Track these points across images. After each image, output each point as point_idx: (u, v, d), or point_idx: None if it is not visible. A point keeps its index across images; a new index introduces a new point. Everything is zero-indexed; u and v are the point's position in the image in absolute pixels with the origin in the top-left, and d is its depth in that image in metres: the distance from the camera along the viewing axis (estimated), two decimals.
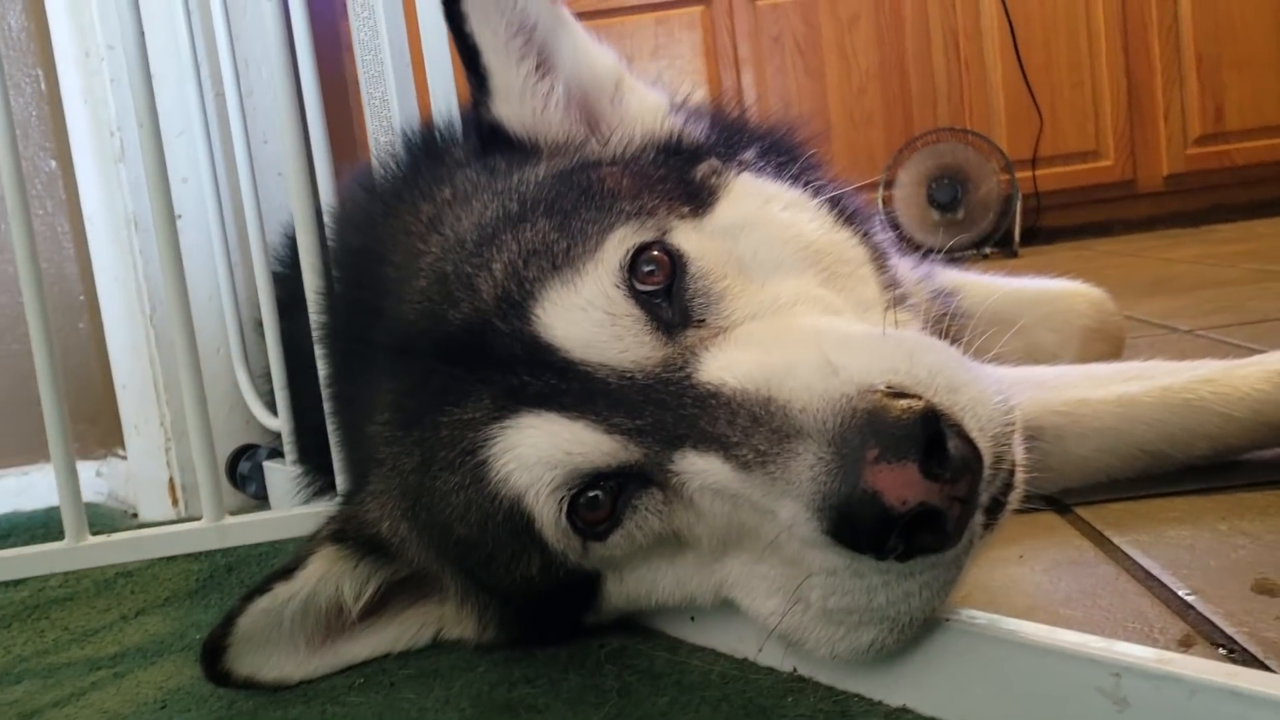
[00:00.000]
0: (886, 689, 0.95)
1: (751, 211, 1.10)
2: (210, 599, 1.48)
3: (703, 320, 0.98)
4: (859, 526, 0.79)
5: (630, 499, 0.96)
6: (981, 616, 0.90)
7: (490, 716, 1.02)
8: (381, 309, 1.09)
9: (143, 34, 1.29)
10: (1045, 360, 1.66)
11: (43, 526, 2.00)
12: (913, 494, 0.77)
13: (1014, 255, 5.39)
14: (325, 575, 1.12)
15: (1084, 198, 5.85)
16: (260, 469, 1.90)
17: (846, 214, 1.23)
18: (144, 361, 1.92)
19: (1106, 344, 1.99)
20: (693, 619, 1.12)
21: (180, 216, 1.90)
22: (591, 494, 0.95)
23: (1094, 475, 1.46)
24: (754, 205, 1.11)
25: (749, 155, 1.25)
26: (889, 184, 5.59)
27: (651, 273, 0.98)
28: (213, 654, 1.08)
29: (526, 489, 0.95)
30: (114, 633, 1.40)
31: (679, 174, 1.13)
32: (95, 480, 2.20)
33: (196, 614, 1.43)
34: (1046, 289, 1.99)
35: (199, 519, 1.78)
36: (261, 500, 1.93)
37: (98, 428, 2.16)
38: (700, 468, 0.90)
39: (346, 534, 1.12)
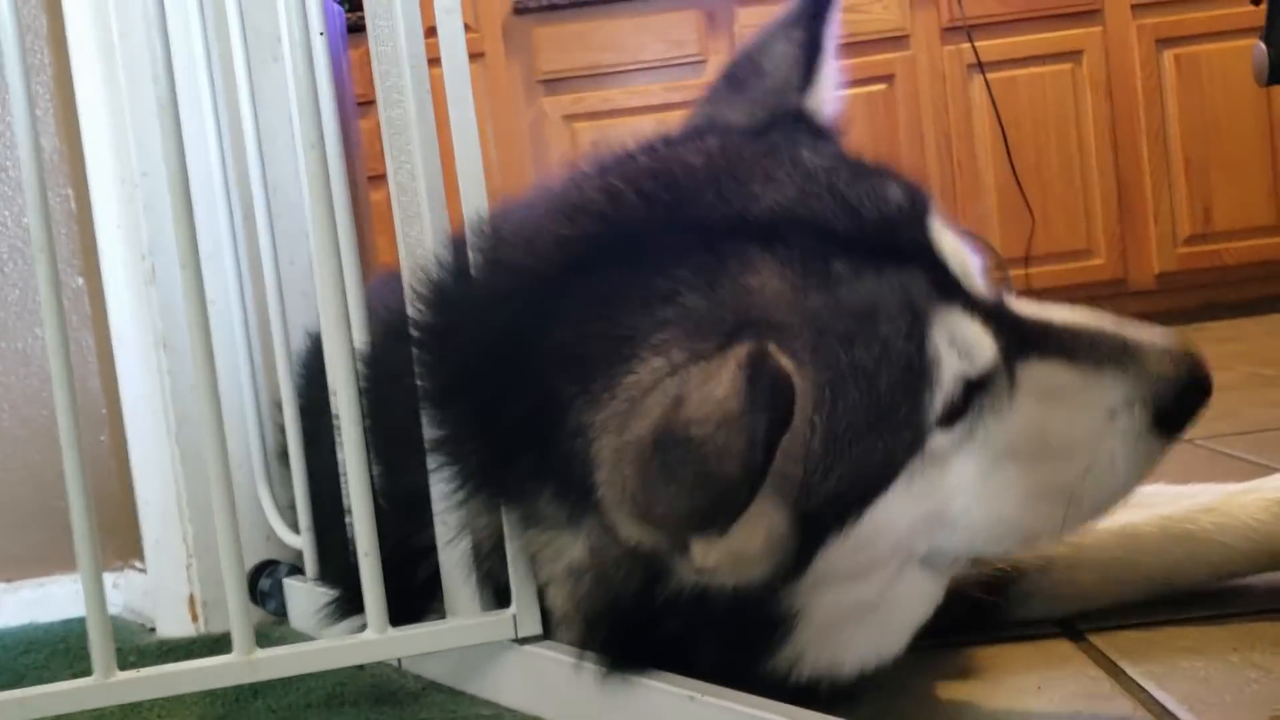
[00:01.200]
0: None
1: None
2: None
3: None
4: (1187, 415, 1.17)
5: (970, 396, 1.15)
6: None
7: None
8: (700, 215, 1.17)
9: (184, 164, 1.32)
10: None
11: (61, 641, 2.00)
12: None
13: None
14: None
15: (1077, 295, 5.88)
16: (280, 586, 1.92)
17: None
18: (168, 478, 1.95)
19: None
20: (692, 698, 1.14)
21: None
22: (963, 392, 1.15)
23: (1102, 601, 1.51)
24: None
25: None
26: None
27: None
28: None
29: (947, 371, 1.12)
30: None
31: None
32: (111, 592, 2.20)
33: None
34: None
35: (218, 634, 1.80)
36: (280, 617, 1.94)
37: (116, 540, 2.18)
38: (1044, 371, 1.16)
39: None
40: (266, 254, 1.83)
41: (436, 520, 1.38)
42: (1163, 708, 1.19)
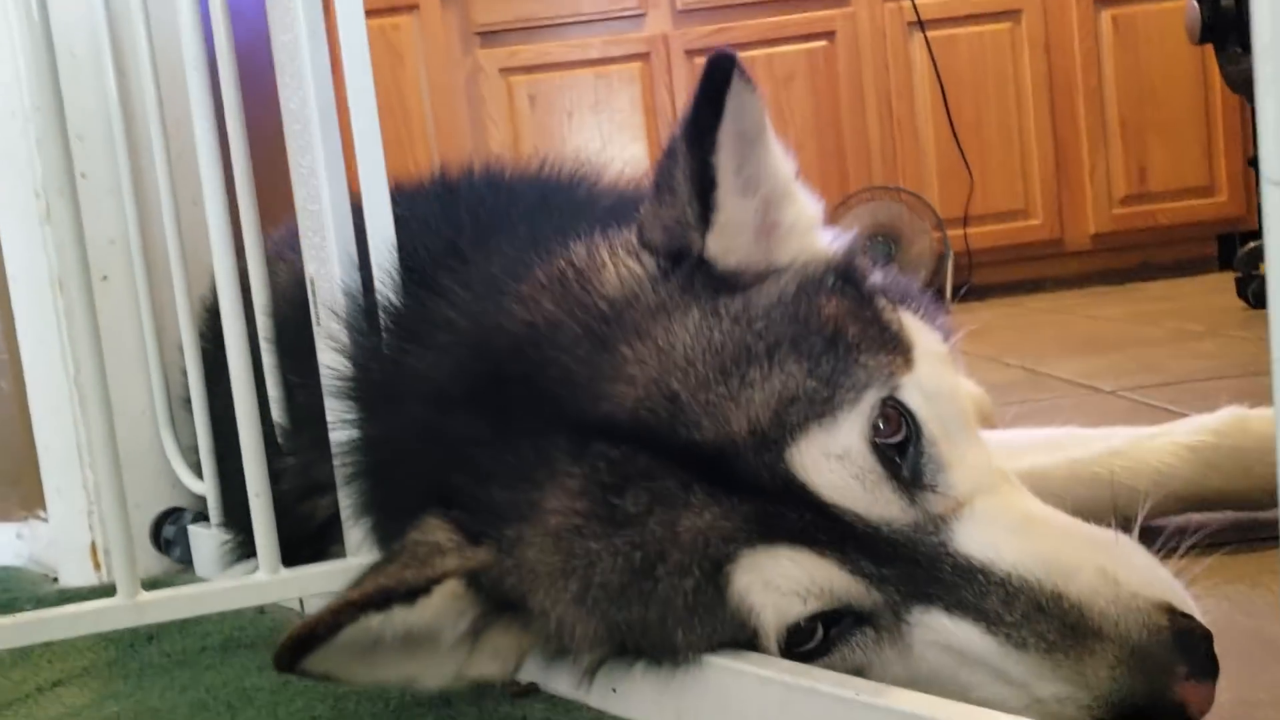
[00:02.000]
0: None
1: (936, 370, 1.16)
2: (130, 668, 1.46)
3: (935, 486, 1.04)
4: None
5: (845, 633, 1.02)
6: (888, 692, 0.92)
7: None
8: (551, 392, 1.08)
9: (58, 92, 1.27)
10: None
11: None
12: (1207, 708, 0.91)
13: (946, 313, 5.45)
14: (446, 610, 1.09)
15: (1014, 255, 5.96)
16: (185, 533, 1.88)
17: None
18: (67, 423, 1.90)
19: None
20: (615, 690, 1.12)
21: (106, 278, 1.90)
22: (807, 622, 1.01)
23: None
24: (933, 363, 1.17)
25: (878, 279, 1.28)
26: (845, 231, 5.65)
27: (882, 426, 1.04)
28: (301, 650, 1.02)
29: (765, 612, 1.00)
30: (29, 706, 1.38)
31: (875, 317, 1.17)
32: (16, 543, 2.15)
33: (115, 685, 1.41)
34: None
35: None
36: (186, 564, 1.90)
37: (20, 489, 2.12)
38: (949, 629, 0.97)
39: (482, 583, 1.09)
40: (164, 192, 1.77)
41: (335, 461, 1.35)
42: None
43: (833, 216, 5.62)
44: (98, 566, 1.92)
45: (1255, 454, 1.46)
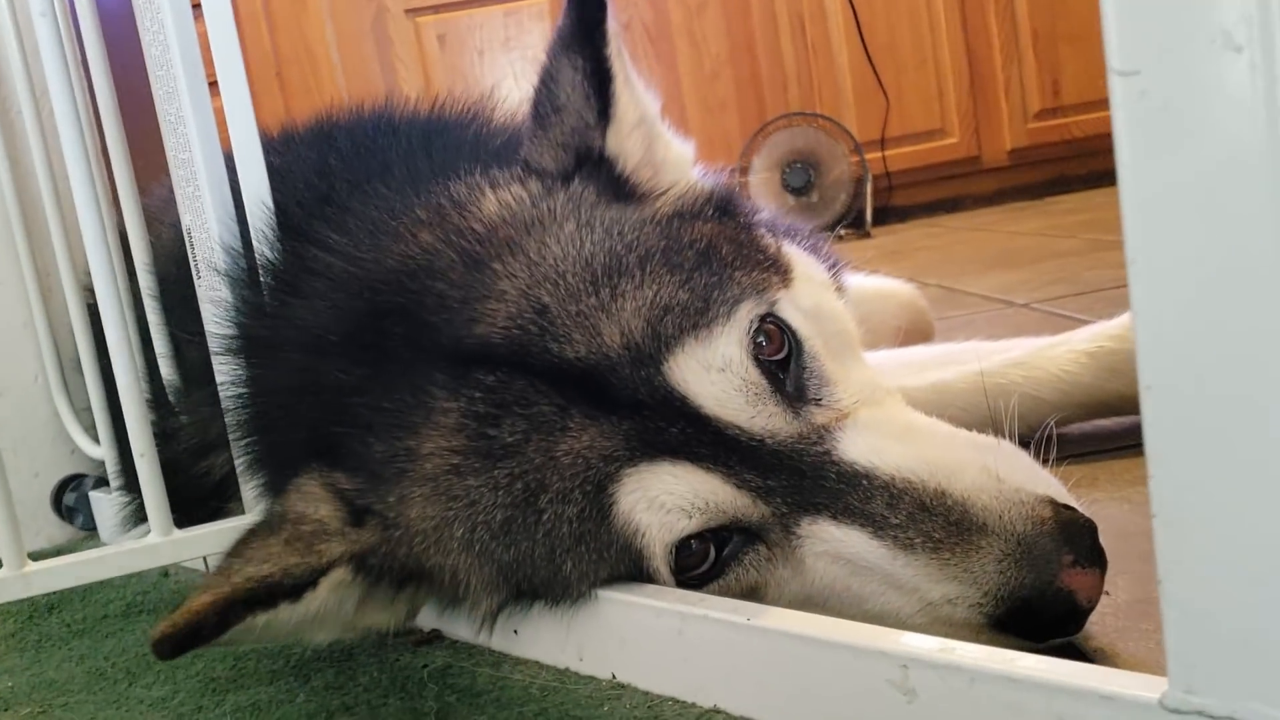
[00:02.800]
0: (699, 691, 0.96)
1: (816, 293, 1.16)
2: (27, 641, 1.42)
3: (819, 400, 1.04)
4: (1045, 616, 0.91)
5: (737, 551, 1.00)
6: (778, 615, 0.91)
7: None
8: (427, 322, 1.05)
9: None
10: None
11: None
12: (1095, 595, 0.92)
13: (867, 235, 5.48)
14: (332, 597, 1.06)
15: (932, 175, 5.97)
16: (87, 500, 1.83)
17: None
18: None
19: (918, 339, 2.10)
20: (516, 632, 1.11)
21: None
22: (697, 545, 1.00)
23: None
24: (815, 286, 1.18)
25: (764, 215, 1.30)
26: (744, 170, 5.64)
27: (764, 344, 1.03)
28: (183, 646, 0.98)
29: (654, 530, 0.98)
30: None
31: (752, 240, 1.17)
32: None
33: (11, 659, 1.37)
34: (863, 290, 2.05)
35: None
36: (90, 531, 1.86)
37: None
38: (837, 536, 0.96)
39: (369, 564, 1.06)
40: (36, 151, 1.70)
41: (226, 417, 1.31)
42: None
43: (751, 145, 5.62)
44: None
45: None
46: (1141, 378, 0.62)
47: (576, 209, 1.12)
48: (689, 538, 0.99)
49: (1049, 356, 1.51)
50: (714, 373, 0.99)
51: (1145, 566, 1.09)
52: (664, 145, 1.28)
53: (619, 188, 1.18)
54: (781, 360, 1.04)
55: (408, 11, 5.70)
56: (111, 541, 1.76)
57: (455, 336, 1.04)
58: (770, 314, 1.04)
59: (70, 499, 1.86)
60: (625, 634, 1.01)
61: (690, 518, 0.97)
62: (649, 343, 0.99)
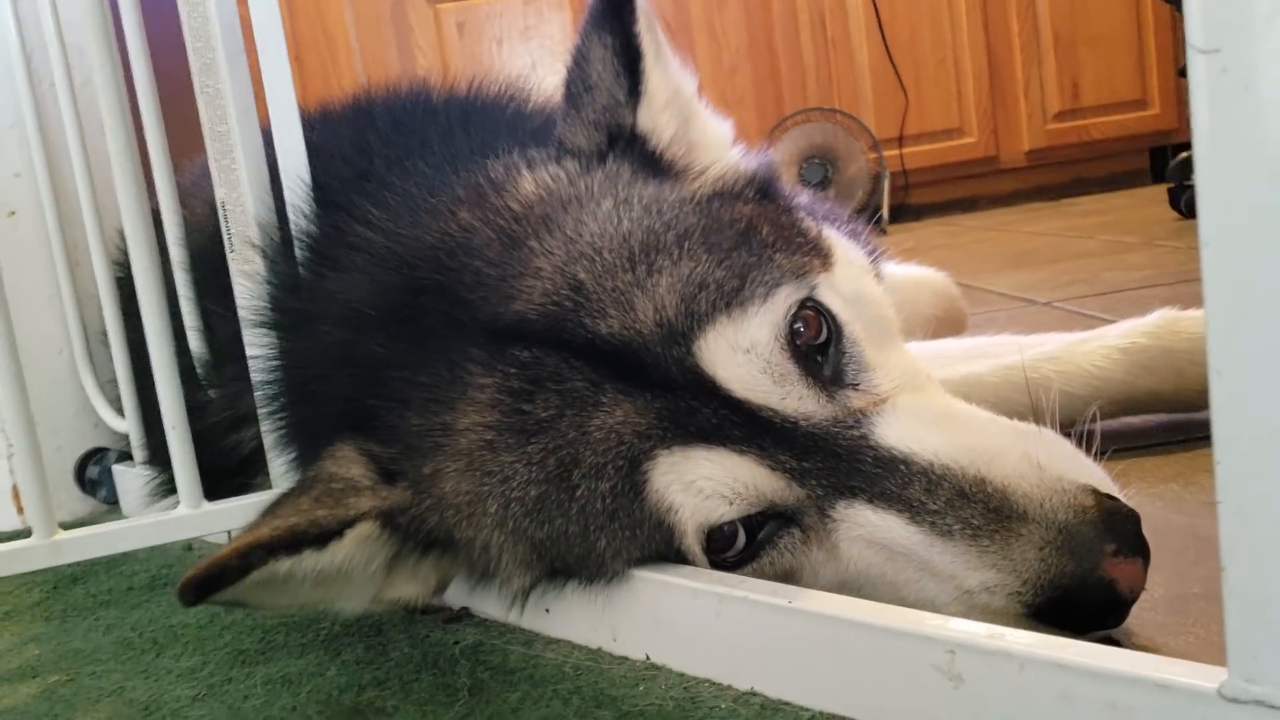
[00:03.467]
0: (736, 673, 0.95)
1: (856, 277, 1.15)
2: (53, 610, 1.42)
3: (857, 384, 1.03)
4: (1085, 606, 0.89)
5: (771, 535, 1.00)
6: (820, 598, 0.90)
7: None
8: (464, 298, 1.05)
9: None
10: None
11: None
12: (1138, 585, 0.90)
13: (883, 233, 5.47)
14: (358, 551, 1.05)
15: (950, 174, 5.97)
16: (109, 473, 1.83)
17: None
18: None
19: (950, 328, 2.08)
20: (548, 611, 1.11)
21: (14, 213, 1.83)
22: (729, 526, 0.99)
23: None
24: (855, 271, 1.17)
25: (803, 199, 1.29)
26: (764, 151, 5.62)
27: (802, 329, 1.02)
28: (207, 589, 0.98)
29: (689, 513, 0.98)
30: None
31: (794, 223, 1.16)
32: None
33: (37, 627, 1.37)
34: (895, 278, 2.03)
35: None
36: (113, 505, 1.86)
37: None
38: (873, 521, 0.95)
39: (397, 523, 1.06)
40: (69, 122, 1.70)
41: (255, 391, 1.31)
42: None
43: (769, 139, 5.59)
44: (20, 510, 1.87)
45: (1186, 355, 1.46)
46: (1211, 362, 0.61)
47: (613, 186, 1.12)
48: (724, 524, 0.98)
49: (1082, 352, 1.50)
50: (740, 354, 0.98)
51: (1180, 562, 1.10)
52: (700, 124, 1.27)
53: (654, 165, 1.18)
54: (820, 345, 1.03)
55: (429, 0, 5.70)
56: (134, 514, 1.76)
57: (492, 313, 1.03)
58: (810, 298, 1.04)
59: (93, 472, 1.86)
60: (660, 614, 1.01)
61: (730, 504, 0.97)
62: (682, 320, 0.98)
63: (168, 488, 1.58)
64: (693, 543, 0.99)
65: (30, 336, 1.83)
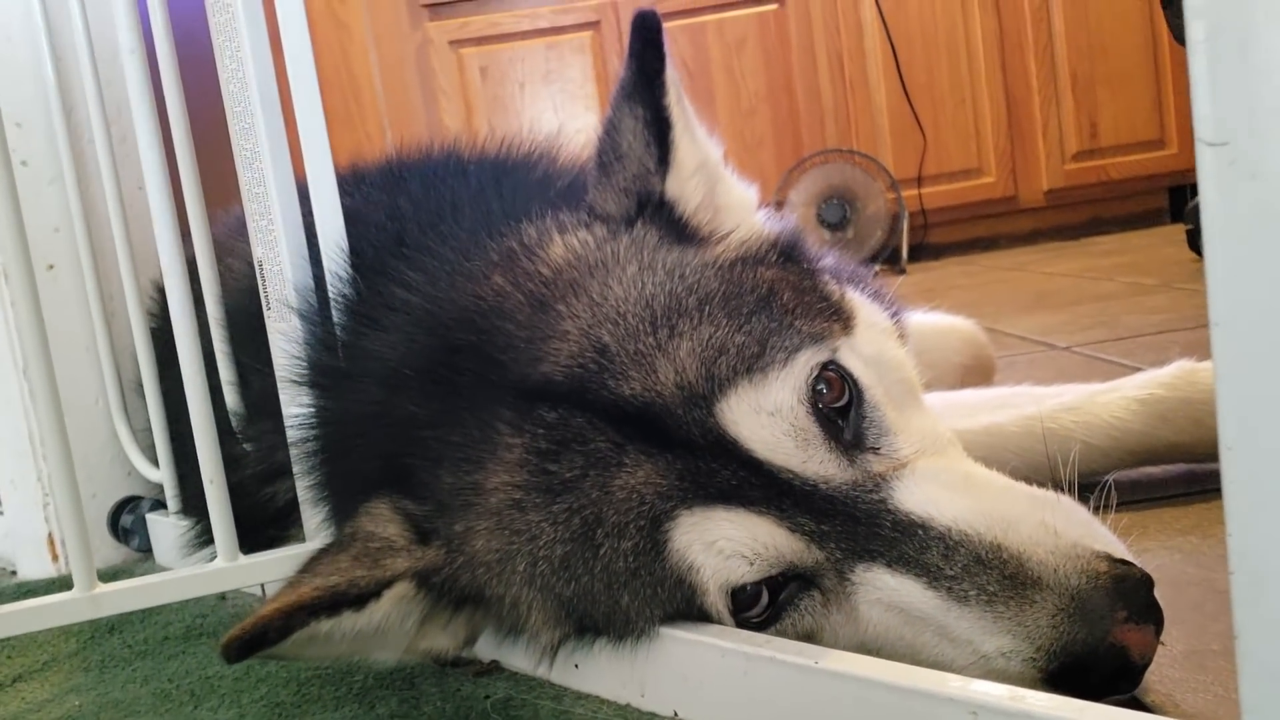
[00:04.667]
0: None
1: (878, 340, 1.18)
2: (91, 661, 1.44)
3: (877, 448, 1.05)
4: (1098, 672, 0.91)
5: (793, 597, 1.02)
6: (846, 659, 0.92)
7: None
8: (495, 359, 1.08)
9: None
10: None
11: None
12: (1150, 651, 0.92)
13: (902, 272, 5.50)
14: (395, 611, 1.09)
15: (968, 214, 5.99)
16: (143, 521, 1.87)
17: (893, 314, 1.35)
18: (19, 415, 1.88)
19: (979, 376, 2.09)
20: (577, 666, 1.13)
21: (53, 267, 1.87)
22: (752, 587, 1.01)
23: None
24: (876, 334, 1.20)
25: (828, 261, 1.32)
26: (779, 205, 5.66)
27: (824, 392, 1.04)
28: (250, 649, 1.02)
29: (711, 573, 1.00)
30: None
31: (814, 287, 1.18)
32: None
33: (76, 678, 1.40)
34: (922, 327, 2.06)
35: None
36: (145, 553, 1.89)
37: None
38: (891, 585, 0.97)
39: (432, 582, 1.09)
40: (107, 179, 1.75)
41: (291, 446, 1.34)
42: None
43: (787, 180, 5.64)
44: (55, 558, 1.91)
45: (1204, 406, 1.47)
46: (1222, 438, 0.63)
47: (639, 251, 1.15)
48: (745, 584, 1.00)
49: (1101, 403, 1.52)
50: (764, 416, 1.00)
51: (1198, 616, 1.11)
52: (726, 189, 1.31)
53: (680, 231, 1.21)
54: (841, 408, 1.06)
55: (451, 43, 5.78)
56: (167, 563, 1.80)
57: (521, 374, 1.06)
58: (831, 361, 1.06)
59: (127, 521, 1.89)
60: (689, 672, 1.03)
61: (751, 564, 0.99)
62: (702, 383, 1.01)
63: (202, 538, 1.61)
64: (716, 600, 1.01)
65: (67, 386, 1.86)
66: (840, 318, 1.15)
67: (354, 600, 1.04)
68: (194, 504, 1.71)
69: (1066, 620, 0.91)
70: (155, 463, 1.79)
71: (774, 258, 1.21)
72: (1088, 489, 1.32)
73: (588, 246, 1.16)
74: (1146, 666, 0.92)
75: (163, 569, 1.80)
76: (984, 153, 5.98)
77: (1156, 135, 5.93)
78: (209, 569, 1.32)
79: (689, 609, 1.03)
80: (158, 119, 1.37)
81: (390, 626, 1.09)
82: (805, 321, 1.09)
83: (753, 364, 1.02)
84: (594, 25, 5.86)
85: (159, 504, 1.87)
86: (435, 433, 1.11)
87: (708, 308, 1.06)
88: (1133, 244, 5.18)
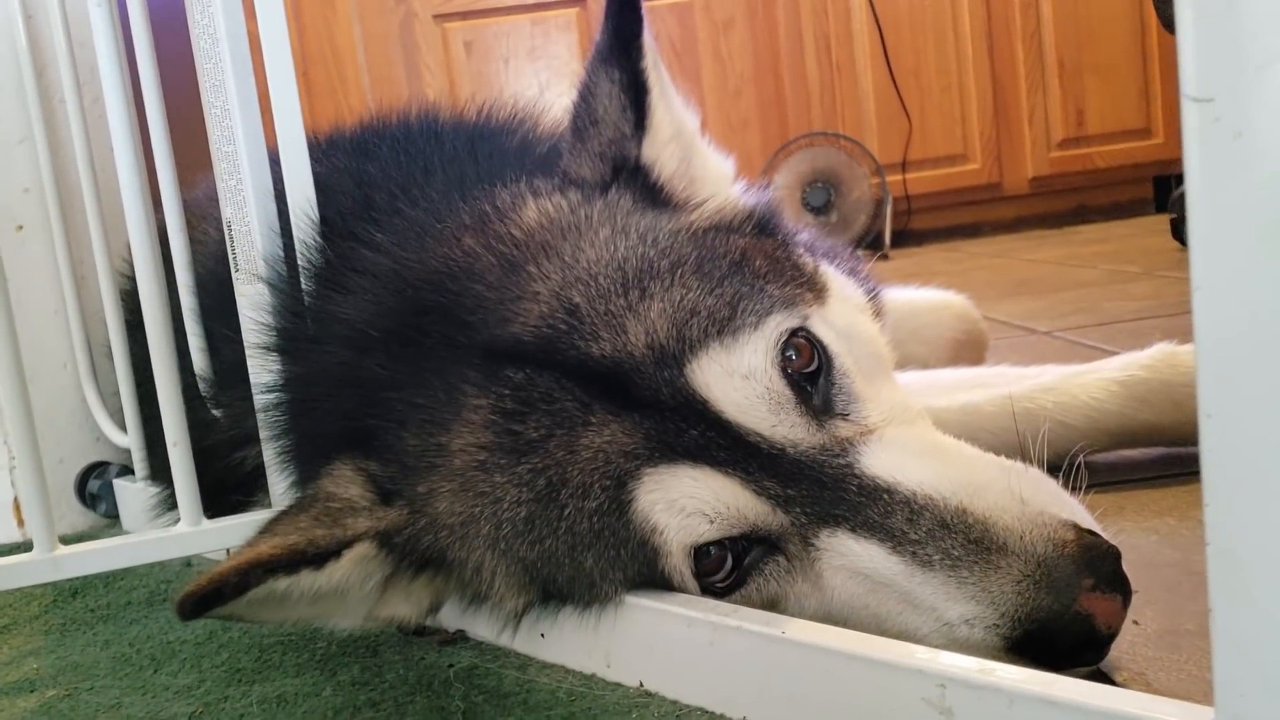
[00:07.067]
0: (729, 702, 0.96)
1: (850, 313, 1.18)
2: (52, 624, 1.42)
3: (846, 415, 1.05)
4: (1063, 641, 0.89)
5: (757, 562, 1.01)
6: (812, 629, 0.91)
7: None
8: (464, 321, 1.07)
9: None
10: (915, 368, 1.70)
11: None
12: (1116, 622, 0.90)
13: (885, 258, 5.49)
14: (355, 571, 1.07)
15: (953, 200, 5.98)
16: (110, 487, 1.84)
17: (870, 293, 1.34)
18: None
19: (972, 351, 2.07)
20: (543, 635, 1.11)
21: (22, 228, 1.84)
22: (715, 552, 1.00)
23: None
24: (849, 308, 1.19)
25: (804, 236, 1.31)
26: (765, 188, 5.64)
27: (793, 358, 1.04)
28: (205, 605, 0.99)
29: (673, 532, 0.99)
30: None
31: (788, 257, 1.18)
32: None
33: (36, 641, 1.37)
34: (915, 303, 2.05)
35: None
36: (113, 519, 1.87)
37: None
38: (855, 550, 0.96)
39: (394, 543, 1.07)
40: (78, 139, 1.72)
41: (259, 410, 1.32)
42: None
43: (772, 163, 5.61)
44: (21, 523, 1.88)
45: (1183, 388, 1.46)
46: (1202, 405, 0.61)
47: (613, 215, 1.14)
48: (708, 544, 0.99)
49: (1079, 384, 1.51)
50: (737, 379, 1.00)
51: (1173, 597, 1.10)
52: (702, 160, 1.30)
53: (655, 196, 1.20)
54: (810, 374, 1.05)
55: (436, 17, 5.73)
56: (134, 529, 1.77)
57: (489, 335, 1.05)
58: (802, 328, 1.05)
59: (94, 486, 1.87)
60: (654, 642, 1.01)
61: (711, 522, 0.98)
62: (673, 344, 1.00)
63: (169, 503, 1.59)
64: (680, 563, 1.00)
65: (35, 350, 1.84)
66: (813, 288, 1.14)
67: (313, 559, 1.02)
68: (162, 469, 1.69)
69: (1032, 587, 0.90)
70: (124, 428, 1.76)
71: (749, 228, 1.20)
72: (1059, 466, 1.31)
73: (561, 210, 1.15)
74: (1113, 638, 0.91)
75: (127, 534, 1.77)
76: (969, 139, 5.97)
77: (1143, 124, 5.93)
78: (172, 533, 1.30)
79: (653, 574, 1.02)
80: (128, 77, 1.34)
81: (350, 588, 1.07)
82: (777, 288, 1.09)
83: (724, 326, 1.01)
84: (580, 2, 5.81)
85: (127, 469, 1.85)
86: (400, 394, 1.09)
87: (680, 271, 1.05)
88: (1116, 233, 5.18)
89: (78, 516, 1.90)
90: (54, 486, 1.88)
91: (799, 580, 1.00)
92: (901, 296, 2.03)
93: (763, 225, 1.23)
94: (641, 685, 1.03)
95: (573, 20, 5.80)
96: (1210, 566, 0.63)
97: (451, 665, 1.12)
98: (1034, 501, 0.95)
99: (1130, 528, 1.30)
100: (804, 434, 1.00)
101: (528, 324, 1.04)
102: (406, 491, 1.07)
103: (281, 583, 1.01)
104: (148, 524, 1.67)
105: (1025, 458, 1.37)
